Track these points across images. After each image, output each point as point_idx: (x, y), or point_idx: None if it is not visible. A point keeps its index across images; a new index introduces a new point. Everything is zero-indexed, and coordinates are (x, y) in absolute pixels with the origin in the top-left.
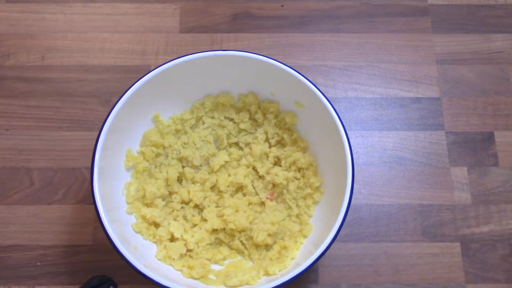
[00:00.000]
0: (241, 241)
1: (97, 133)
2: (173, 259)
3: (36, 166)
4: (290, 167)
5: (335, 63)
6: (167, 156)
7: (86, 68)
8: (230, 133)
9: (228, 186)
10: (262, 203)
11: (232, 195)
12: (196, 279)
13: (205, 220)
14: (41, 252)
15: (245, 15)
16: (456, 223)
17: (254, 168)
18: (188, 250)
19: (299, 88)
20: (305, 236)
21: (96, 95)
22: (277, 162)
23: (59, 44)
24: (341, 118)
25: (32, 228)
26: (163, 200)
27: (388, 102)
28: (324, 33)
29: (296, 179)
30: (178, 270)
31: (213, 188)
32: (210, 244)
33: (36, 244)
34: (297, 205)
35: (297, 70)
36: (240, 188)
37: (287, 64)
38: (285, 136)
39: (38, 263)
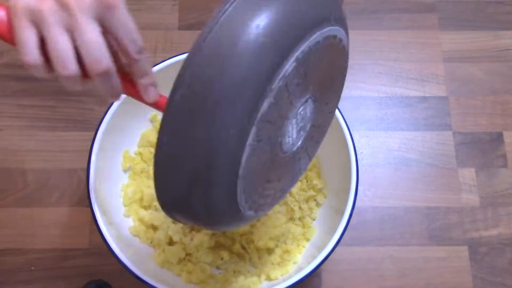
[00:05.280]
0: (242, 245)
1: (93, 133)
2: (172, 263)
3: (30, 168)
4: None
5: None
6: None
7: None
8: None
9: None
10: None
11: None
12: (195, 284)
13: None
14: (35, 256)
15: None
16: (463, 226)
17: None
18: (187, 254)
19: None
20: (308, 240)
21: (92, 94)
22: None
23: None
24: (345, 117)
25: (26, 231)
26: None
27: (393, 102)
28: None
29: (299, 180)
30: (177, 274)
31: None
32: (210, 248)
33: (31, 248)
34: (300, 208)
35: None
36: None
37: None
38: None
39: (33, 268)
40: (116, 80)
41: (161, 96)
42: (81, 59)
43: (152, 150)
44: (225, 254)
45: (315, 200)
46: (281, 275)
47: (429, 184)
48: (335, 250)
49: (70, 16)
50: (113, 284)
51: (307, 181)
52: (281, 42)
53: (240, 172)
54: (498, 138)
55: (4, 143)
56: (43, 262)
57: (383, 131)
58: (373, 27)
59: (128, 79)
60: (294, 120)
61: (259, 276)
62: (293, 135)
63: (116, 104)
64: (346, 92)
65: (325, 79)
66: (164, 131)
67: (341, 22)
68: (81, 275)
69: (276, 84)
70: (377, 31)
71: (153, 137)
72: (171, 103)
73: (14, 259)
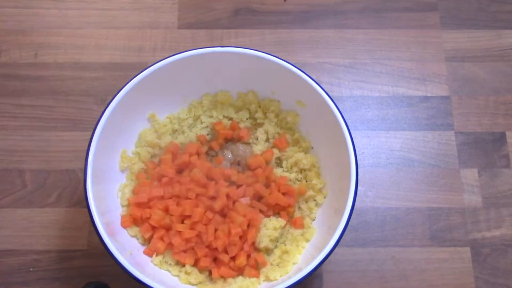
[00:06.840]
0: None
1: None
2: (170, 264)
3: (28, 168)
4: (291, 168)
5: (340, 61)
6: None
7: (81, 66)
8: None
9: None
10: None
11: None
12: (194, 285)
13: None
14: (34, 257)
15: (246, 10)
16: (466, 227)
17: None
18: None
19: (300, 86)
20: (307, 240)
21: (91, 93)
22: (278, 163)
23: (53, 40)
24: (347, 117)
25: (24, 232)
26: None
27: (395, 101)
28: (329, 29)
29: (298, 180)
30: (175, 275)
31: None
32: None
33: (29, 249)
34: (299, 208)
35: (299, 68)
36: None
37: (288, 61)
38: (287, 136)
39: (31, 269)
40: None
41: None
42: None
43: (150, 150)
44: None
45: (315, 200)
46: (280, 276)
47: (431, 185)
48: (336, 251)
49: None
50: (112, 285)
51: (306, 181)
52: None
53: None
54: (501, 138)
55: (2, 143)
56: (42, 264)
57: (385, 131)
58: (375, 26)
59: None
60: None
61: (258, 276)
62: None
63: (113, 104)
64: (347, 91)
65: None
66: None
67: None
68: (80, 276)
69: None
70: (379, 30)
71: (151, 137)
72: None
73: (12, 261)
